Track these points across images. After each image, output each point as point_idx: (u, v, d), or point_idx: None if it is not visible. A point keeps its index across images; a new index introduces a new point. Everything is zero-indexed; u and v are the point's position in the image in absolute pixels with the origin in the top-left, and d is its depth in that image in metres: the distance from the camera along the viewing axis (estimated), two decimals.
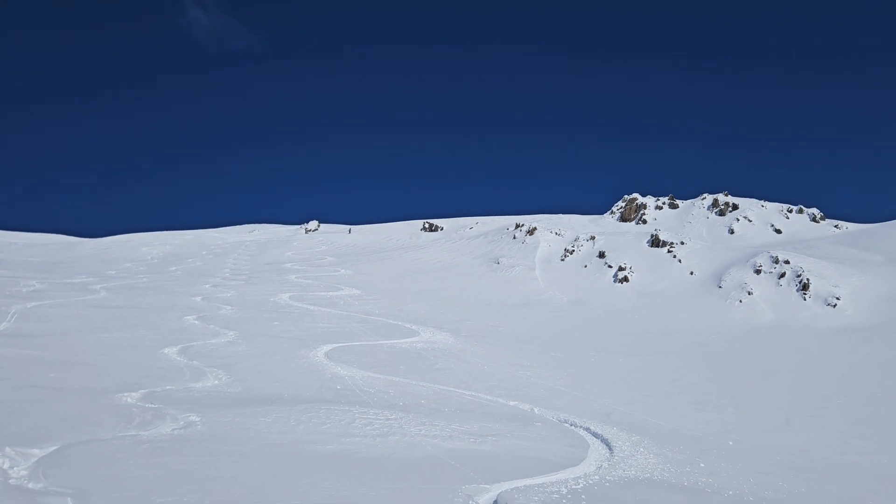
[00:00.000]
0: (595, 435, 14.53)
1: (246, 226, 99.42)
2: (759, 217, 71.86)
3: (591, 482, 10.69)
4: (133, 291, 34.99)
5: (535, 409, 16.66)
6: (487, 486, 9.70)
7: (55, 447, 9.35)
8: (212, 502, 7.74)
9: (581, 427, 15.17)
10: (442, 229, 79.61)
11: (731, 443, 16.10)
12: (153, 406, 12.47)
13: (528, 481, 10.26)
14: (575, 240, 56.42)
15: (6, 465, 8.42)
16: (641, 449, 13.76)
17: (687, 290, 43.34)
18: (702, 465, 13.31)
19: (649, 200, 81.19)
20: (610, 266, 49.55)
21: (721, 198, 76.85)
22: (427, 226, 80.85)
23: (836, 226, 68.90)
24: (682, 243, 51.84)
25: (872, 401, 21.23)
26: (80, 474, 8.33)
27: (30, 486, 7.84)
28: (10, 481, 7.91)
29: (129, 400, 12.86)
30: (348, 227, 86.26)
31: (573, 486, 10.25)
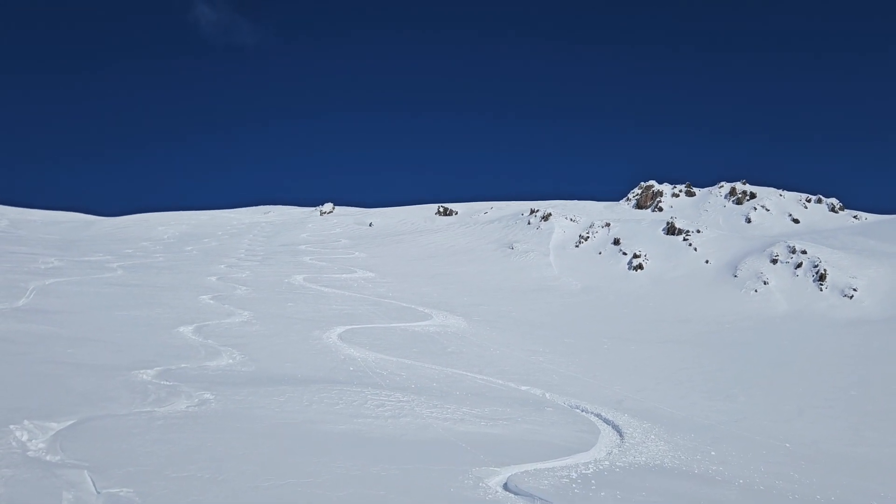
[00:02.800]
0: (606, 421, 14.54)
1: (261, 207, 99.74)
2: (776, 206, 71.14)
3: (601, 468, 10.72)
4: (149, 270, 35.31)
5: (547, 395, 16.69)
6: (498, 469, 9.75)
7: (72, 421, 9.50)
8: (224, 478, 7.84)
9: (592, 413, 15.19)
10: (456, 214, 79.47)
11: (742, 432, 16.07)
12: (168, 383, 12.62)
13: (539, 465, 10.30)
14: (590, 226, 56.16)
15: (25, 438, 8.57)
16: (652, 436, 13.77)
17: (702, 278, 43.08)
18: (713, 453, 13.30)
19: (666, 188, 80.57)
20: (624, 253, 49.32)
21: (739, 186, 76.09)
22: (442, 210, 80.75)
23: (854, 216, 68.08)
24: (698, 231, 51.45)
25: (886, 393, 21.07)
26: (97, 448, 8.47)
27: (47, 458, 7.98)
28: (29, 453, 8.06)
29: (144, 377, 13.02)
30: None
31: (583, 471, 10.28)
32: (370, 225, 75.50)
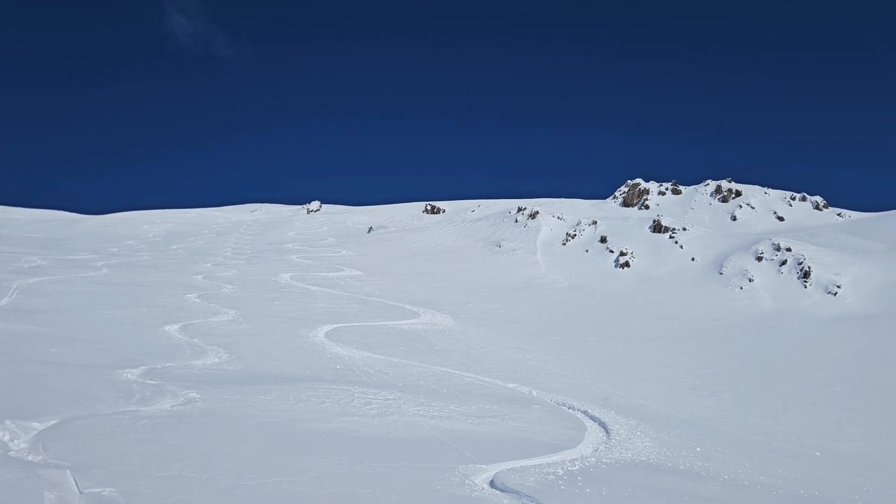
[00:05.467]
0: (592, 418, 14.59)
1: (248, 205, 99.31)
2: (761, 204, 71.68)
3: (587, 464, 10.75)
4: (134, 269, 35.04)
5: (534, 392, 16.72)
6: (484, 467, 9.75)
7: (55, 421, 9.40)
8: (209, 477, 7.79)
9: (579, 410, 15.23)
10: (444, 212, 79.46)
11: (727, 428, 16.18)
12: (153, 382, 12.52)
13: (525, 462, 10.32)
14: (577, 224, 56.34)
15: (6, 438, 8.47)
16: (638, 432, 13.82)
17: (688, 276, 43.33)
18: (698, 449, 13.38)
19: (652, 186, 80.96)
20: (611, 251, 49.51)
21: (724, 184, 76.61)
22: (429, 208, 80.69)
23: (839, 214, 68.73)
24: (685, 229, 51.75)
25: (870, 389, 21.30)
26: (80, 448, 8.39)
27: (30, 458, 7.89)
28: (11, 454, 7.97)
29: (129, 376, 12.91)
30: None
31: (569, 468, 10.31)
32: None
